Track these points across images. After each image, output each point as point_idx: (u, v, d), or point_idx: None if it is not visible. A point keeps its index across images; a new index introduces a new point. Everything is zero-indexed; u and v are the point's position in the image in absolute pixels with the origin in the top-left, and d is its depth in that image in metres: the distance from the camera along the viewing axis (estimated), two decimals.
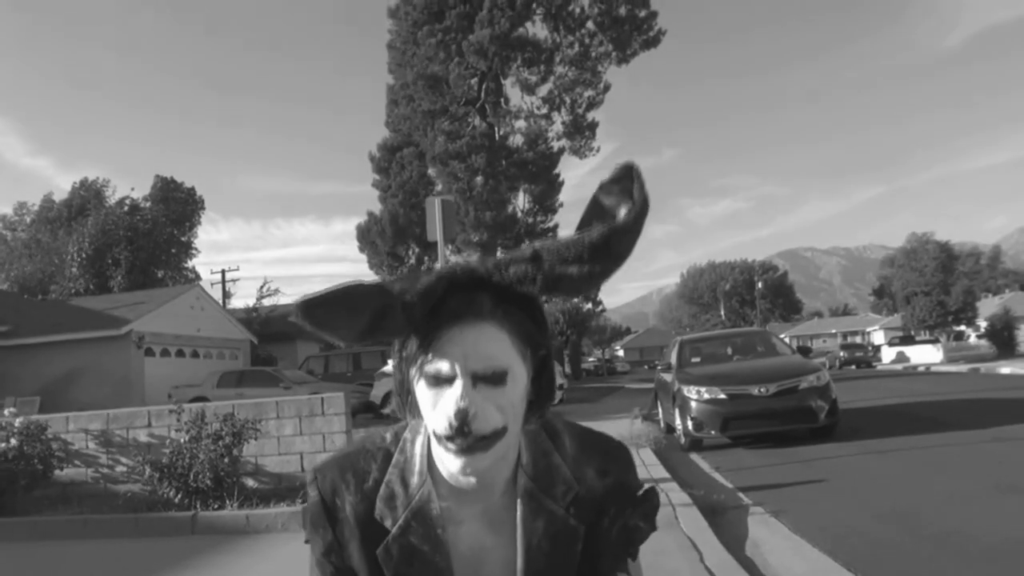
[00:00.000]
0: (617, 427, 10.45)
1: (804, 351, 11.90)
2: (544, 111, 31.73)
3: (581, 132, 31.79)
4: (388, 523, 1.01)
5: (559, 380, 22.07)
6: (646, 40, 31.27)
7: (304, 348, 33.33)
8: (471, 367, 0.91)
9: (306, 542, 1.07)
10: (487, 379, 0.92)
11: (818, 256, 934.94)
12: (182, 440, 6.09)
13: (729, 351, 11.53)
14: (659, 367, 12.74)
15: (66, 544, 5.60)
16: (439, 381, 0.92)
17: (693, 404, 9.35)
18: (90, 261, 29.35)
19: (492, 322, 0.94)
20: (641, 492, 1.10)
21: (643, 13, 30.73)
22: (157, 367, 21.44)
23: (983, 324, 39.89)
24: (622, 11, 30.67)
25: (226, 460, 6.05)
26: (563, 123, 31.59)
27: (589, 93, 31.73)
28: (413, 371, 0.95)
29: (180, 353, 22.98)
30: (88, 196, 47.03)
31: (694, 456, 9.09)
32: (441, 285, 0.92)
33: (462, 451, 0.92)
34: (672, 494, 6.24)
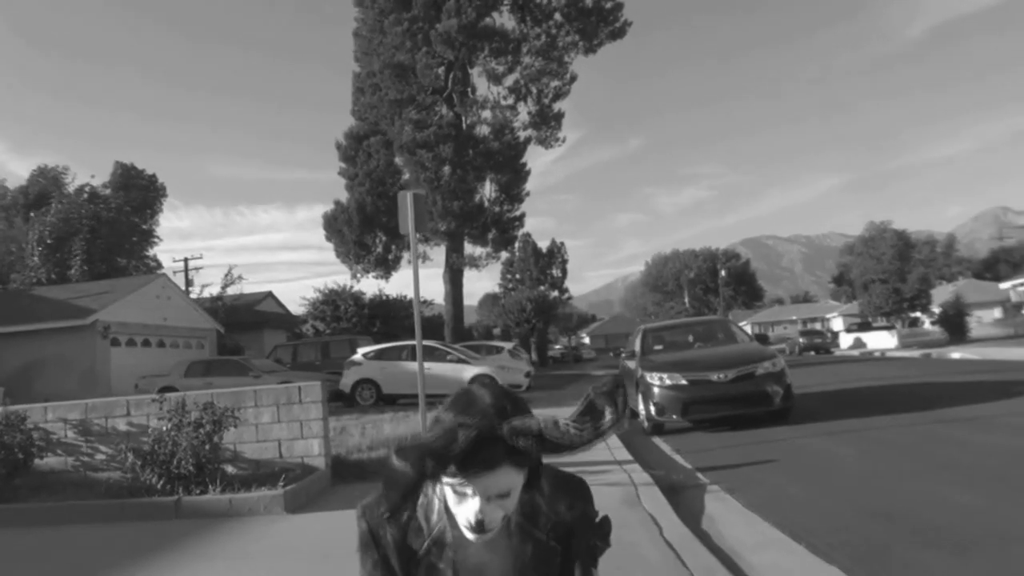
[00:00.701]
0: None
1: (762, 339, 12.38)
2: (511, 101, 31.93)
3: (547, 122, 32.05)
4: (416, 546, 1.42)
5: (525, 368, 22.45)
6: (612, 31, 31.60)
7: (271, 336, 33.28)
8: (487, 493, 1.30)
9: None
10: (500, 496, 1.32)
11: (780, 244, 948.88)
12: (164, 428, 6.28)
13: (690, 339, 11.97)
14: (623, 355, 13.14)
15: (55, 529, 5.78)
16: (463, 493, 1.31)
17: (655, 390, 9.75)
18: (51, 250, 28.88)
19: (504, 464, 1.30)
20: (599, 519, 1.54)
21: (609, 4, 31.06)
22: (123, 357, 21.32)
23: (937, 311, 41.15)
24: (589, 2, 30.96)
25: (207, 447, 6.27)
26: (529, 113, 31.84)
27: (556, 83, 31.99)
28: (447, 477, 1.31)
29: (146, 343, 22.85)
30: (47, 183, 46.17)
31: (656, 439, 9.50)
32: (470, 441, 1.27)
33: (476, 534, 1.33)
34: (635, 474, 6.62)
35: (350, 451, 8.41)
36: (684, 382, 9.66)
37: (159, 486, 6.30)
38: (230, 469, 6.78)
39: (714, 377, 9.62)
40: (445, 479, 1.31)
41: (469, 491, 1.30)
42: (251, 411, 7.07)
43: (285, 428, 7.07)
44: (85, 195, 39.65)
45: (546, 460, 1.40)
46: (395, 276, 35.86)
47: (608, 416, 1.33)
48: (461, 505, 1.32)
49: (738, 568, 4.07)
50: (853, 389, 14.21)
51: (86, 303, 21.05)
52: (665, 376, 9.80)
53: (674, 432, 9.90)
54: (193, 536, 5.18)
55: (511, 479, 1.32)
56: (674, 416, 9.69)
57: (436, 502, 1.43)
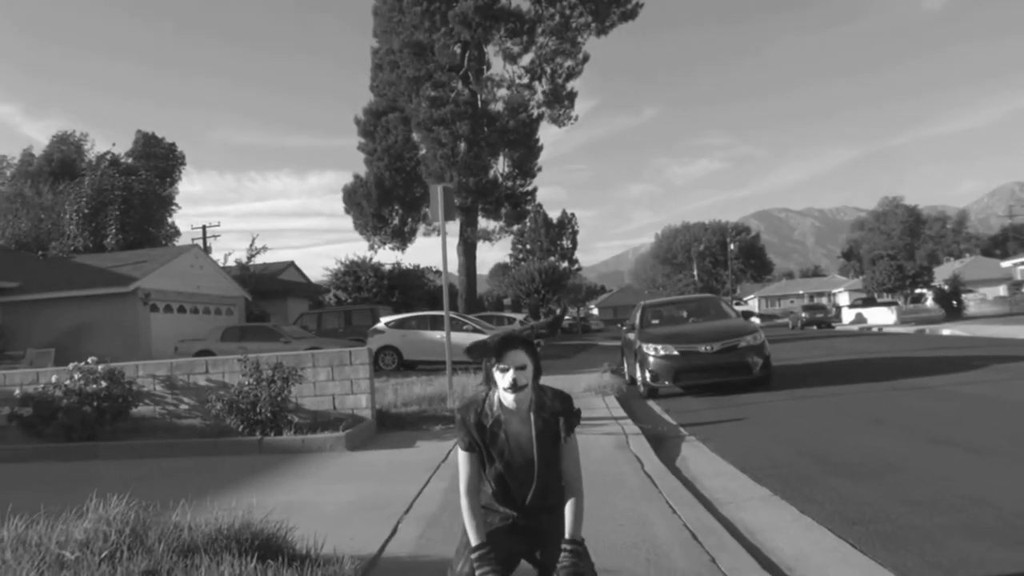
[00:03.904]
0: (588, 379, 12.26)
1: (747, 315, 13.75)
2: (526, 80, 33.02)
3: (560, 101, 33.12)
4: (485, 423, 2.83)
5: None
6: (624, 12, 32.47)
7: (294, 305, 34.85)
8: (514, 364, 2.71)
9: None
10: (520, 368, 2.72)
11: (792, 217, 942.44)
12: (247, 382, 7.75)
13: (684, 314, 13.36)
14: (624, 327, 14.55)
15: (160, 460, 7.27)
16: (504, 370, 2.71)
17: (651, 359, 11.17)
18: (86, 220, 30.40)
19: (521, 348, 2.73)
20: (575, 410, 2.96)
21: None
22: (161, 322, 22.91)
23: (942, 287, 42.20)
24: None
25: (279, 399, 7.73)
26: (544, 93, 32.90)
27: (569, 63, 33.00)
28: (492, 367, 2.74)
29: (181, 309, 24.42)
30: (68, 151, 47.65)
31: (651, 402, 10.92)
32: (504, 338, 2.73)
33: (513, 393, 2.73)
34: (627, 427, 8.05)
35: (386, 407, 9.87)
36: (676, 352, 11.06)
37: (239, 429, 7.78)
38: (293, 418, 8.24)
39: (702, 348, 11.02)
40: (494, 368, 2.75)
41: (504, 366, 2.73)
42: (310, 371, 8.52)
43: (338, 385, 8.53)
44: (106, 163, 41.13)
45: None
46: (410, 247, 37.34)
47: (556, 314, 2.90)
48: (503, 377, 2.75)
49: (696, 490, 5.48)
50: (836, 362, 15.57)
51: (127, 271, 22.57)
52: (659, 347, 11.20)
53: (667, 397, 11.31)
54: (281, 465, 6.65)
55: (523, 357, 2.74)
56: (667, 382, 11.11)
57: (495, 398, 2.84)
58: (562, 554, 2.83)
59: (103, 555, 3.00)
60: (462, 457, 2.93)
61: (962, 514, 4.31)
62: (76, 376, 8.23)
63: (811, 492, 5.08)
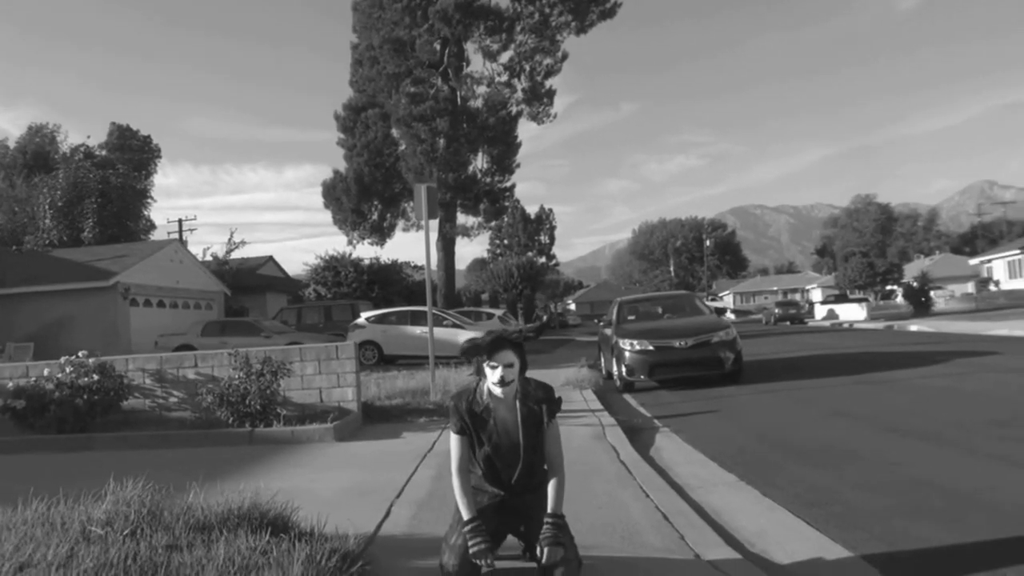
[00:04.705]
0: (567, 374, 12.63)
1: (720, 311, 14.19)
2: (505, 78, 33.31)
3: (539, 99, 33.45)
4: (476, 409, 3.23)
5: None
6: (603, 11, 32.88)
7: (273, 300, 34.91)
8: (503, 362, 3.11)
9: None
10: (508, 366, 3.12)
11: (768, 214, 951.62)
12: (237, 376, 8.00)
13: (659, 310, 13.77)
14: (601, 323, 14.94)
15: (152, 451, 7.50)
16: (494, 367, 3.11)
17: (627, 354, 11.55)
18: (61, 213, 30.24)
19: (509, 349, 3.13)
20: (556, 398, 3.35)
21: None
22: (141, 316, 22.95)
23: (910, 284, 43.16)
24: None
25: (268, 391, 7.99)
26: (523, 90, 33.21)
27: (548, 61, 33.35)
28: (484, 363, 3.15)
29: (161, 304, 24.46)
30: (42, 142, 47.12)
31: (627, 396, 11.31)
32: (495, 340, 3.12)
33: (501, 387, 3.15)
34: (603, 418, 8.42)
35: (371, 400, 10.15)
36: (651, 347, 11.46)
37: (229, 421, 8.04)
38: (282, 411, 8.50)
39: (676, 344, 11.43)
40: (485, 363, 3.09)
41: (494, 364, 3.10)
42: (297, 365, 8.78)
43: (325, 379, 8.80)
44: (80, 155, 40.77)
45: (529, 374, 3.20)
46: (389, 242, 37.55)
47: (542, 320, 3.28)
48: (492, 372, 3.12)
49: (668, 477, 5.84)
50: (805, 356, 16.08)
51: (106, 265, 22.59)
52: (635, 342, 11.59)
53: (643, 391, 11.71)
54: (271, 455, 6.93)
55: (511, 356, 3.12)
56: (642, 376, 11.51)
57: (484, 388, 3.19)
58: (544, 526, 3.18)
59: (126, 532, 3.29)
60: (454, 440, 3.27)
61: (909, 496, 4.71)
62: (68, 369, 8.43)
63: (774, 478, 5.46)
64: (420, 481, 5.61)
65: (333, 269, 34.63)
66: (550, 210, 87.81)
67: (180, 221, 47.97)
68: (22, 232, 31.07)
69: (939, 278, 57.36)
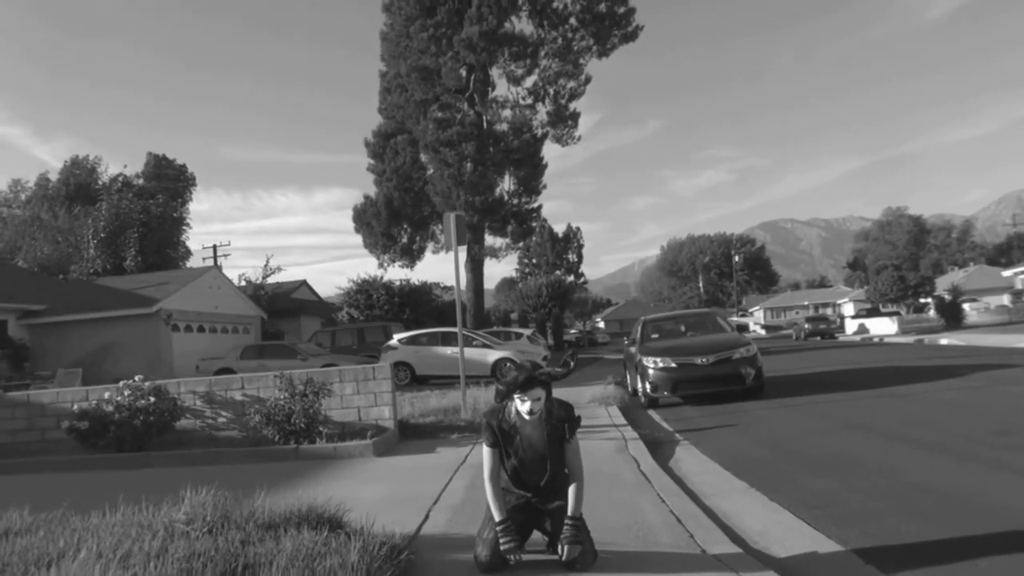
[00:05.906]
0: (593, 391, 13.08)
1: (742, 328, 14.55)
2: (529, 101, 34.06)
3: (564, 121, 34.13)
4: (505, 427, 3.80)
5: (542, 352, 24.79)
6: (625, 34, 33.54)
7: (307, 323, 35.79)
8: (532, 397, 3.68)
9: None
10: (536, 400, 3.69)
11: (798, 227, 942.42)
12: (282, 396, 8.60)
13: (682, 328, 14.18)
14: (626, 342, 15.36)
15: (207, 467, 8.10)
16: (524, 400, 3.67)
17: (650, 371, 11.97)
18: (105, 243, 31.43)
19: (536, 386, 3.68)
20: (576, 415, 3.91)
21: (622, 9, 32.97)
22: (182, 341, 23.85)
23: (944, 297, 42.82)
24: (602, 7, 32.86)
25: (311, 411, 8.57)
26: (548, 113, 33.92)
27: (571, 84, 34.08)
28: (516, 395, 3.71)
29: (201, 329, 25.37)
30: (82, 174, 48.89)
31: (651, 412, 11.71)
32: (527, 379, 3.68)
33: (529, 416, 3.72)
34: (626, 433, 8.86)
35: (406, 418, 10.69)
36: (674, 364, 11.87)
37: (275, 439, 8.62)
38: (324, 428, 9.06)
39: (698, 360, 11.83)
40: (516, 396, 3.59)
41: (524, 398, 3.60)
42: (337, 386, 9.36)
43: (363, 398, 9.37)
44: (119, 185, 42.21)
45: (555, 394, 3.71)
46: (418, 264, 38.36)
47: (570, 367, 3.69)
48: (522, 405, 3.63)
49: (684, 484, 6.28)
50: (829, 372, 16.33)
51: (149, 293, 23.55)
52: (659, 360, 12.02)
53: (666, 407, 12.10)
54: (317, 469, 7.49)
55: (539, 392, 3.63)
56: (665, 393, 11.91)
57: (512, 408, 3.71)
58: (564, 526, 3.72)
59: (204, 530, 3.84)
60: (487, 452, 3.81)
61: (905, 500, 5.11)
62: (126, 393, 9.09)
63: (781, 484, 5.88)
64: (454, 490, 6.11)
65: (365, 292, 35.47)
66: (578, 228, 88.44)
67: (215, 247, 49.29)
68: (67, 261, 32.34)
69: (973, 290, 56.73)
